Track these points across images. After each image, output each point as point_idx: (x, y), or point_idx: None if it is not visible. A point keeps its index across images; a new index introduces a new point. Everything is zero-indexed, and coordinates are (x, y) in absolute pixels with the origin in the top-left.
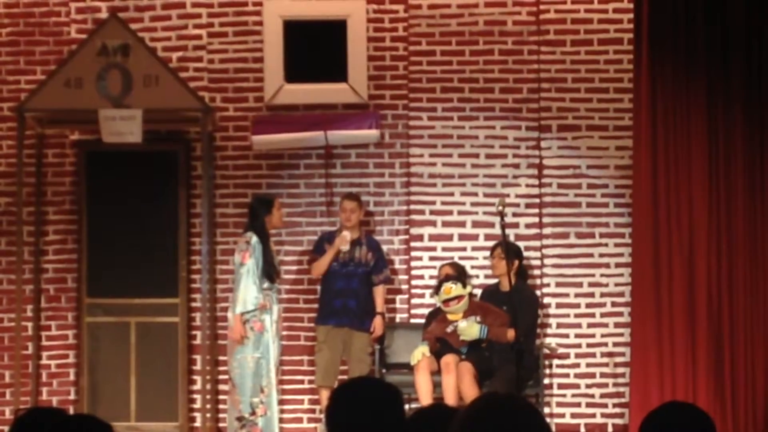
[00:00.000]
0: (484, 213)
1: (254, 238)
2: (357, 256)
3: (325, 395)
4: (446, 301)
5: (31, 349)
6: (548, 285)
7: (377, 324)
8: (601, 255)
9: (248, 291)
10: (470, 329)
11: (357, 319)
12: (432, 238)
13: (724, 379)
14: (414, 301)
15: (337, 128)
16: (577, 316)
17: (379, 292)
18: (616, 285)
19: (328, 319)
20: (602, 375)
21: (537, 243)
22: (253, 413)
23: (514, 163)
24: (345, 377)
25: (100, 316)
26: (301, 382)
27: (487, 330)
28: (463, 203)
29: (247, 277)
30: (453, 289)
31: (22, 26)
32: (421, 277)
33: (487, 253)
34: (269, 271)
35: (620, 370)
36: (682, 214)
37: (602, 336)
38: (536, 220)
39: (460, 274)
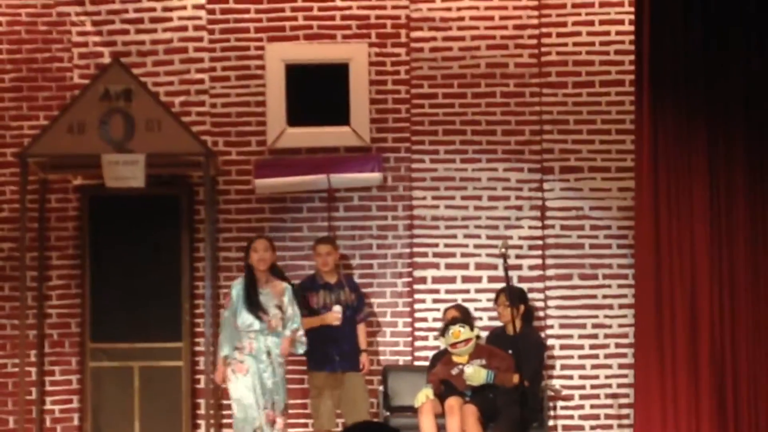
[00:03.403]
0: (487, 255)
1: (236, 283)
2: (342, 299)
3: None
4: (454, 344)
5: (34, 394)
6: (552, 326)
7: (364, 361)
8: (605, 296)
9: (224, 337)
10: (477, 375)
11: (350, 362)
12: (435, 280)
13: (727, 421)
14: (417, 343)
15: (340, 171)
16: (581, 357)
17: (362, 330)
18: (620, 326)
19: (323, 365)
20: (607, 416)
21: (540, 285)
22: None
23: (516, 205)
24: (341, 420)
25: (104, 361)
26: (305, 425)
27: (494, 376)
28: (466, 245)
29: (223, 323)
30: (462, 332)
31: (25, 72)
32: (425, 319)
33: (491, 295)
34: (254, 312)
35: (624, 411)
36: (684, 254)
37: (606, 377)
38: (539, 261)
39: (465, 317)
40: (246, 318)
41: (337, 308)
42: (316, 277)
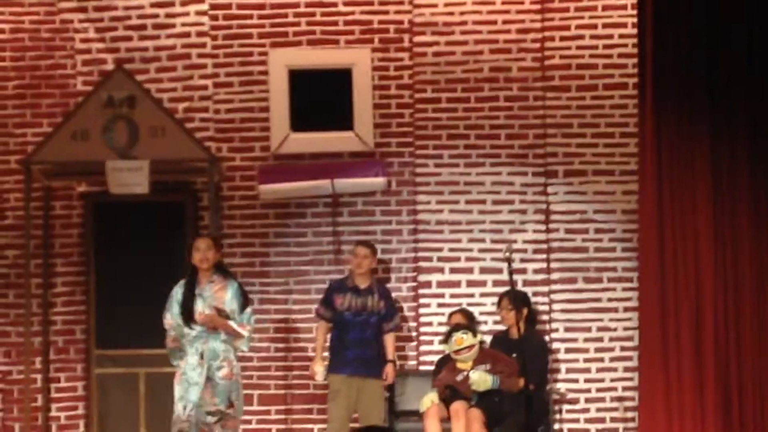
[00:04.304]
0: (492, 259)
1: (178, 285)
2: (369, 305)
3: None
4: (457, 351)
5: (40, 401)
6: (557, 330)
7: (389, 372)
8: (610, 299)
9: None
10: (483, 381)
11: (370, 367)
12: (440, 284)
13: (732, 424)
14: (423, 348)
15: (344, 176)
16: (586, 360)
17: (390, 340)
18: (625, 329)
19: (342, 369)
20: (612, 420)
21: (545, 288)
22: None
23: (520, 209)
24: (356, 425)
25: (109, 367)
26: (311, 430)
27: (499, 380)
28: (471, 250)
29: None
30: (464, 339)
31: (29, 79)
32: (430, 324)
33: (496, 299)
34: (184, 319)
35: (630, 414)
36: (689, 257)
37: (612, 380)
38: (544, 265)
39: (470, 322)
40: (178, 322)
41: (320, 372)
42: (348, 279)
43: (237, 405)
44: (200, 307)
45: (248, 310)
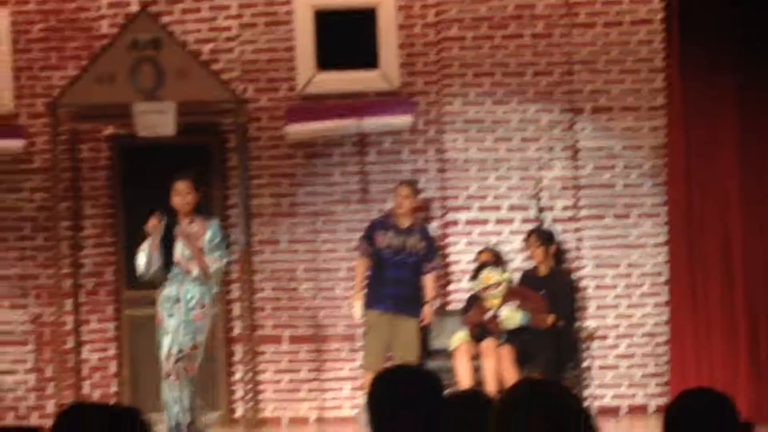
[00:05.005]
0: (520, 197)
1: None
2: (409, 245)
3: (369, 377)
4: (485, 288)
5: (71, 343)
6: (586, 267)
7: (426, 312)
8: (638, 236)
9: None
10: (512, 317)
11: (406, 306)
12: (468, 223)
13: (760, 353)
14: (451, 287)
15: (371, 116)
16: (615, 297)
17: (429, 281)
18: (654, 265)
19: (377, 305)
20: (643, 355)
21: (574, 225)
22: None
23: (548, 146)
24: (389, 363)
25: (139, 308)
26: (341, 369)
27: (529, 317)
28: (498, 187)
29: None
30: (492, 276)
31: (54, 22)
32: (458, 262)
33: (524, 237)
34: (165, 260)
35: (661, 349)
36: (717, 191)
37: (641, 316)
38: (572, 202)
39: (497, 260)
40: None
41: (358, 306)
42: (390, 217)
43: (199, 347)
44: (180, 249)
45: (220, 252)
